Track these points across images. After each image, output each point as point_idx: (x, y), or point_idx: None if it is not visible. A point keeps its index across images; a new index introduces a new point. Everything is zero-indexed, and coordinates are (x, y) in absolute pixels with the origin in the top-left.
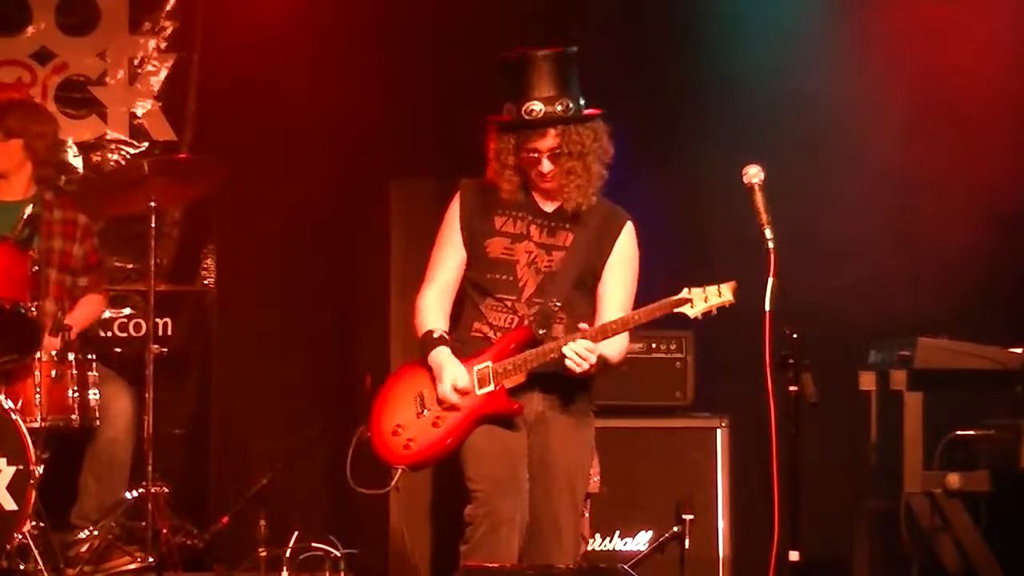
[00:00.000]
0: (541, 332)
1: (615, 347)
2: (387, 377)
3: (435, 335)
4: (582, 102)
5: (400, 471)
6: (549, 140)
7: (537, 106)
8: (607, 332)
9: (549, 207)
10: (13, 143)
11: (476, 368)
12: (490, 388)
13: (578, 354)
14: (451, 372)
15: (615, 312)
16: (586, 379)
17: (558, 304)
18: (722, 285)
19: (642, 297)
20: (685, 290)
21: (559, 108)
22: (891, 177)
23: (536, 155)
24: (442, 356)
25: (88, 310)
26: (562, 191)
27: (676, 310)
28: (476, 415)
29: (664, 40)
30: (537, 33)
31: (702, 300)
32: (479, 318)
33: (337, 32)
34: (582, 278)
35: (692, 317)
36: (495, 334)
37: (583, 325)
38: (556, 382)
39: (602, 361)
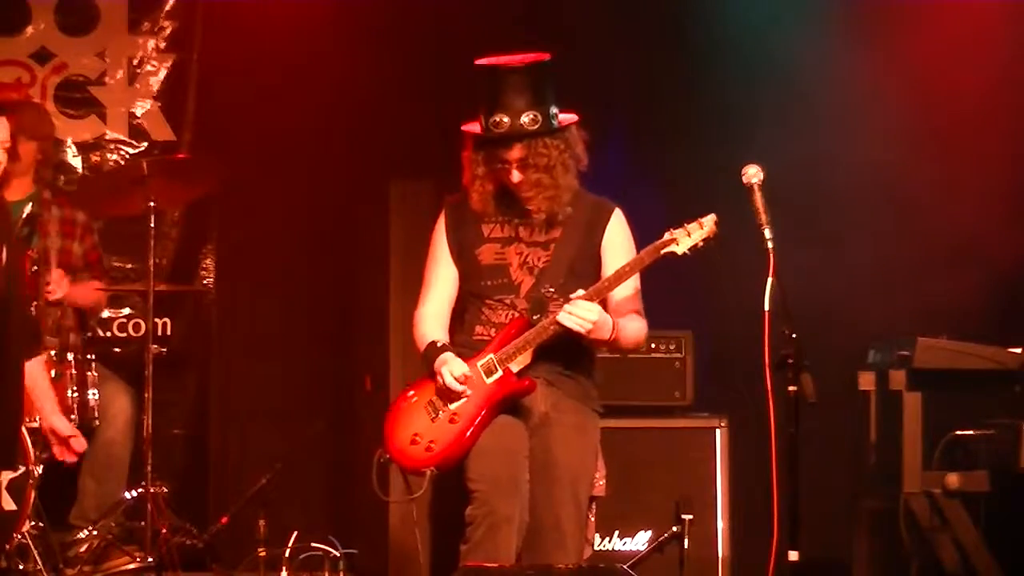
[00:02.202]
0: (535, 318)
1: (630, 327)
2: (392, 400)
3: (439, 344)
4: (554, 111)
5: (429, 474)
6: (515, 152)
7: (503, 119)
8: (601, 291)
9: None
10: (28, 145)
11: (479, 363)
12: (498, 375)
13: (574, 313)
14: (450, 364)
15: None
16: (591, 376)
17: (551, 289)
18: (702, 219)
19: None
20: (668, 232)
21: (526, 120)
22: (891, 175)
23: (506, 166)
24: (445, 356)
25: (87, 291)
26: (530, 202)
27: (663, 251)
28: (491, 402)
29: (660, 39)
30: (535, 33)
31: (686, 236)
32: (481, 322)
33: (337, 32)
34: (575, 265)
35: (681, 254)
36: (496, 331)
37: (576, 293)
38: (560, 381)
39: (614, 329)
